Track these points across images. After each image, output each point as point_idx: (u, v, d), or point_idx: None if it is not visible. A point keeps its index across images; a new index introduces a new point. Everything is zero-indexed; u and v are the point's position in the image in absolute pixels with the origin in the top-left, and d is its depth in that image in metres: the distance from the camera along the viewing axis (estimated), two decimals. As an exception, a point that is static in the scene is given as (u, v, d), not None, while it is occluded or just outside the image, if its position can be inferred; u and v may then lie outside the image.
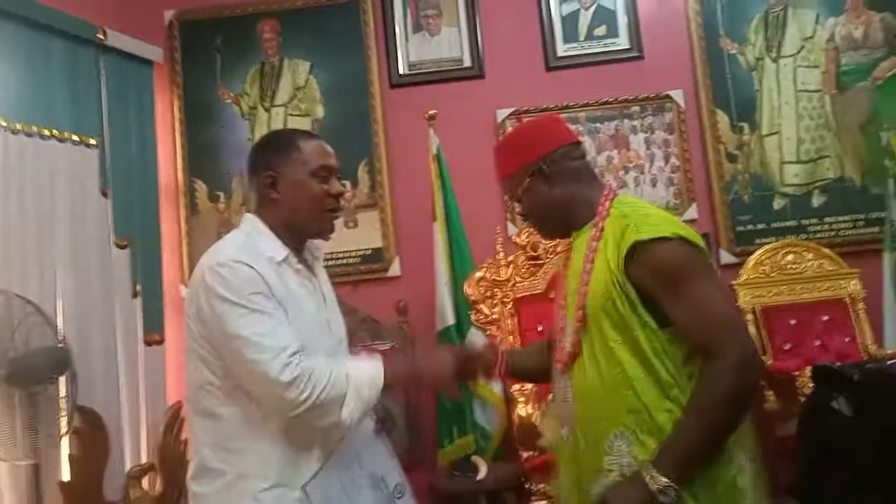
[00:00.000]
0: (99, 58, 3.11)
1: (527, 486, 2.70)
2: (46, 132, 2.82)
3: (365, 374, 1.41)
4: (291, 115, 3.57)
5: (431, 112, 3.21)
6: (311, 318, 1.48)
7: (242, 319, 1.35)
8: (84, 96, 3.02)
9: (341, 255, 3.44)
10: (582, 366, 1.37)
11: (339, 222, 1.63)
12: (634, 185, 3.50)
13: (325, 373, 1.36)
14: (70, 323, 2.72)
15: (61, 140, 2.87)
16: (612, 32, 3.59)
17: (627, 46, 3.57)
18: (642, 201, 1.47)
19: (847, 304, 3.22)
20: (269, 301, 1.37)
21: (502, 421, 2.98)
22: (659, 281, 1.28)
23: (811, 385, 2.45)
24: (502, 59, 3.58)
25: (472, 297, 3.11)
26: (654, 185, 3.51)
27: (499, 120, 3.52)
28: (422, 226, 3.26)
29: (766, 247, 3.34)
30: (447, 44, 3.62)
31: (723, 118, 3.50)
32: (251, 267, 1.38)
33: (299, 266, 1.51)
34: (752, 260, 3.31)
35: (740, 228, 3.45)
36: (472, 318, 3.10)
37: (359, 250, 3.48)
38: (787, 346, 3.16)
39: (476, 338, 3.06)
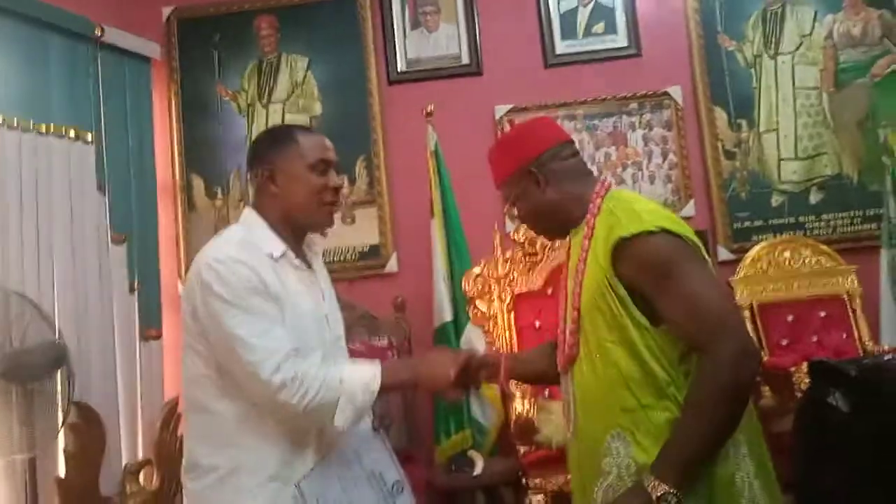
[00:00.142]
0: (96, 54, 3.10)
1: (523, 480, 2.70)
2: (44, 128, 2.80)
3: (360, 378, 1.40)
4: (289, 111, 3.57)
5: (429, 109, 3.20)
6: (309, 315, 1.48)
7: (237, 319, 1.35)
8: (82, 92, 3.01)
9: (339, 252, 3.45)
10: (580, 366, 1.36)
11: (336, 218, 1.63)
12: (632, 182, 3.50)
13: (318, 377, 1.35)
14: (67, 318, 2.71)
15: (59, 136, 2.86)
16: (611, 29, 3.58)
17: (626, 44, 3.57)
18: (634, 194, 1.45)
19: (844, 301, 3.22)
20: (265, 301, 1.37)
21: (499, 416, 2.98)
22: (646, 277, 1.25)
23: (808, 381, 2.45)
24: (500, 56, 3.57)
25: (470, 294, 3.11)
26: (652, 181, 3.51)
27: (497, 117, 3.51)
28: (419, 222, 3.26)
29: (764, 243, 3.34)
30: (445, 40, 3.61)
31: (721, 115, 3.50)
32: (248, 265, 1.38)
33: (297, 262, 1.50)
34: (749, 256, 3.31)
35: (738, 225, 3.45)
36: (470, 314, 3.10)
37: (356, 247, 3.47)
38: (784, 342, 3.17)
39: (473, 334, 3.06)
